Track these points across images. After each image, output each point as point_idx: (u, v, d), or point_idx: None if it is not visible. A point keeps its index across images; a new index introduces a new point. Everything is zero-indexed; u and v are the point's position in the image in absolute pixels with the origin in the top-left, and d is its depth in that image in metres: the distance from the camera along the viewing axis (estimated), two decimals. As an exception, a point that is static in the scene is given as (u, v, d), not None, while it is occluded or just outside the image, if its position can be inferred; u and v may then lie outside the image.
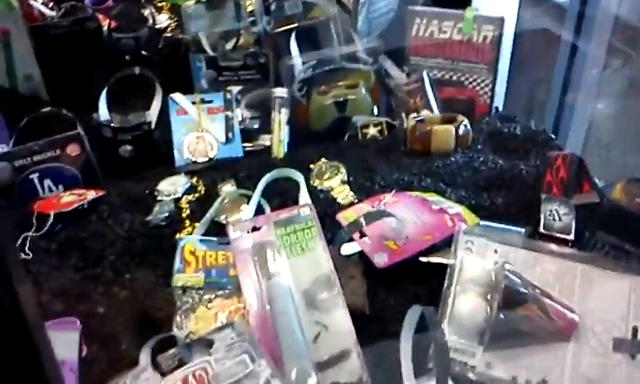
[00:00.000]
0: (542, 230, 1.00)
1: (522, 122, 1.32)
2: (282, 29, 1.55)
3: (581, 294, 0.87)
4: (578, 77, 2.10)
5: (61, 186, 1.20)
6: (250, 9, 1.60)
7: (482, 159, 1.19)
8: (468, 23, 1.35)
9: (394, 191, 1.08)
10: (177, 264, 0.97)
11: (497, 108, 1.42)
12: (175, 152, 1.28)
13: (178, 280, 0.95)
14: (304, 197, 1.08)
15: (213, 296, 0.94)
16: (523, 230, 1.00)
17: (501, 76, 1.94)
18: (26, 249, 1.01)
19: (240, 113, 1.38)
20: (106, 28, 1.68)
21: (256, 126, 1.40)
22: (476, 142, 1.25)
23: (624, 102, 2.31)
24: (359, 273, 0.96)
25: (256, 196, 1.09)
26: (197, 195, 1.15)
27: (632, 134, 2.34)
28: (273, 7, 1.58)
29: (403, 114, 1.27)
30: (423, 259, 0.96)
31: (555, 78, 2.17)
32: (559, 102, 2.18)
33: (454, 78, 1.40)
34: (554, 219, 1.00)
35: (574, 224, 0.99)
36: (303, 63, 1.37)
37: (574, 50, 2.15)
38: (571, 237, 0.98)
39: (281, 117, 1.34)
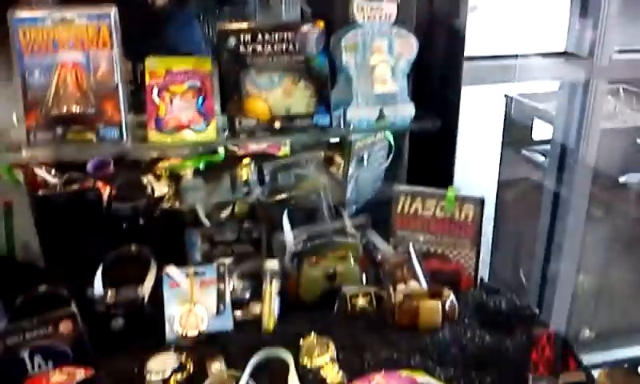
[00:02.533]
0: (530, 412, 1.00)
1: (506, 294, 1.35)
2: (275, 199, 1.64)
3: None
4: (562, 229, 2.18)
5: (50, 363, 1.20)
6: (244, 179, 1.69)
7: (469, 335, 1.21)
8: (450, 202, 1.42)
9: (383, 371, 1.09)
10: None
11: (482, 279, 1.46)
12: (166, 325, 1.30)
13: None
14: (292, 380, 1.08)
15: None
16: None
17: (485, 239, 2.01)
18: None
19: (232, 283, 1.41)
20: (106, 195, 1.75)
21: (247, 296, 1.42)
22: (462, 316, 1.27)
23: (610, 252, 2.37)
24: None
25: (244, 379, 1.10)
26: (185, 375, 1.15)
27: (620, 283, 2.39)
28: (267, 178, 1.67)
29: (390, 287, 1.31)
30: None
31: (539, 233, 2.25)
32: (545, 251, 2.25)
33: (439, 251, 1.46)
34: (542, 401, 1.01)
35: (561, 406, 1.00)
36: (294, 237, 1.43)
37: (556, 205, 2.25)
38: (559, 420, 0.98)
39: (272, 288, 1.36)
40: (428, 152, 1.58)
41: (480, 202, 1.41)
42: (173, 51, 1.56)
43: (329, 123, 1.38)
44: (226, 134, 1.37)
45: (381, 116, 1.41)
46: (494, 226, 2.30)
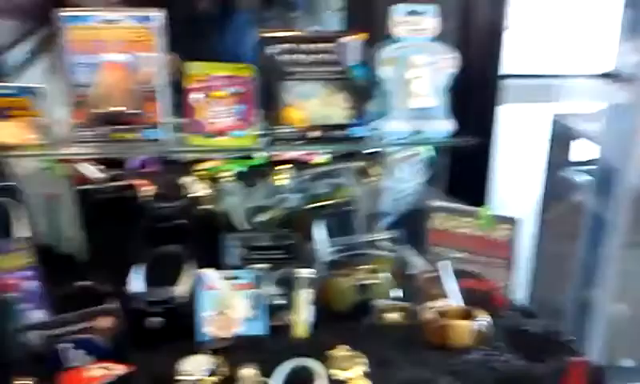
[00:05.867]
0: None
1: (541, 319, 1.34)
2: (311, 207, 1.65)
3: None
4: (602, 253, 2.13)
5: (89, 358, 1.24)
6: (281, 186, 1.72)
7: (500, 358, 1.20)
8: (484, 221, 1.42)
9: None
10: None
11: (517, 301, 1.44)
12: (200, 327, 1.33)
13: None
14: (322, 391, 1.09)
15: None
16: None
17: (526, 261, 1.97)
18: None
19: (267, 290, 1.43)
20: (147, 194, 1.80)
21: (283, 303, 1.44)
22: (494, 339, 1.26)
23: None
24: None
25: (274, 386, 1.11)
26: (218, 378, 1.17)
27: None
28: (303, 186, 1.69)
29: (422, 304, 1.31)
30: None
31: (579, 256, 2.20)
32: (584, 276, 2.20)
33: (474, 269, 1.44)
34: (571, 432, 0.99)
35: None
36: (328, 246, 1.44)
37: (597, 228, 2.19)
38: None
39: (304, 297, 1.38)
40: (466, 169, 1.57)
41: (516, 223, 1.39)
42: (224, 56, 1.59)
43: (363, 135, 1.39)
44: (265, 140, 1.39)
45: (416, 131, 1.41)
46: (536, 248, 2.27)
